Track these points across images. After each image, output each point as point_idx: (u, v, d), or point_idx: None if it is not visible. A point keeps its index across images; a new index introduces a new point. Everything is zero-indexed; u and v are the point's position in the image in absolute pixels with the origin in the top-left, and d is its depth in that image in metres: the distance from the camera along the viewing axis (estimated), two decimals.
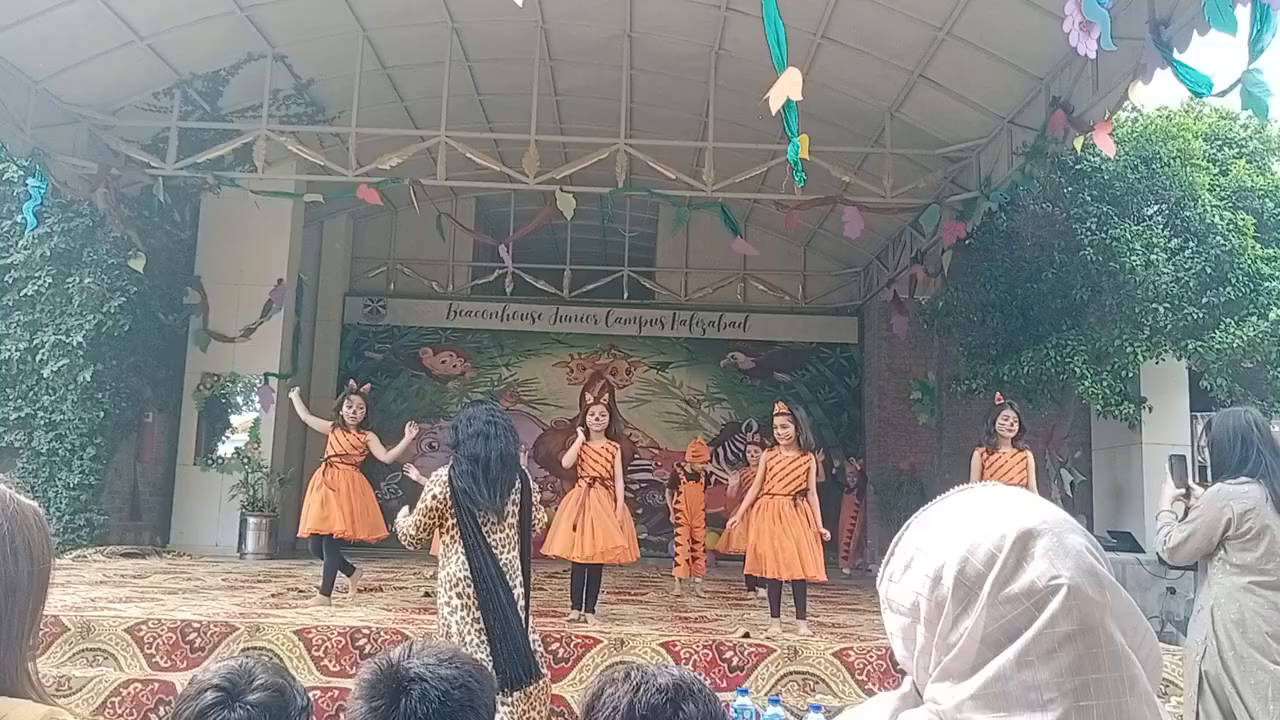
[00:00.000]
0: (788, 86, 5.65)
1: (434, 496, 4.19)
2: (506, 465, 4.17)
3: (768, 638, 6.39)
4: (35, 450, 10.76)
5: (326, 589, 7.31)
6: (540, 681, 4.18)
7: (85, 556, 9.98)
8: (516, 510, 4.28)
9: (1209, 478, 4.02)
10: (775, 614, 6.92)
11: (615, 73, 10.47)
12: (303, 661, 5.84)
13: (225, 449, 12.15)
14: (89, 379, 10.73)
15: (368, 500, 7.51)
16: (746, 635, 6.39)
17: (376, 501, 7.67)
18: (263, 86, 10.49)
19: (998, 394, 7.66)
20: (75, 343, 10.72)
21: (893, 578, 1.02)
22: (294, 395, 7.99)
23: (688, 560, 9.24)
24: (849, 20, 9.09)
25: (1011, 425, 6.98)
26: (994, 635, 0.92)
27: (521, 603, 4.17)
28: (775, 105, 5.69)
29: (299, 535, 7.66)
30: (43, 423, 10.80)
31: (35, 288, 10.88)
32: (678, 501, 9.42)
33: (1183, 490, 4.04)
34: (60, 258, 10.94)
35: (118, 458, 11.29)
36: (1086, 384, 9.03)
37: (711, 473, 9.89)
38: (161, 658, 5.87)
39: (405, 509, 4.41)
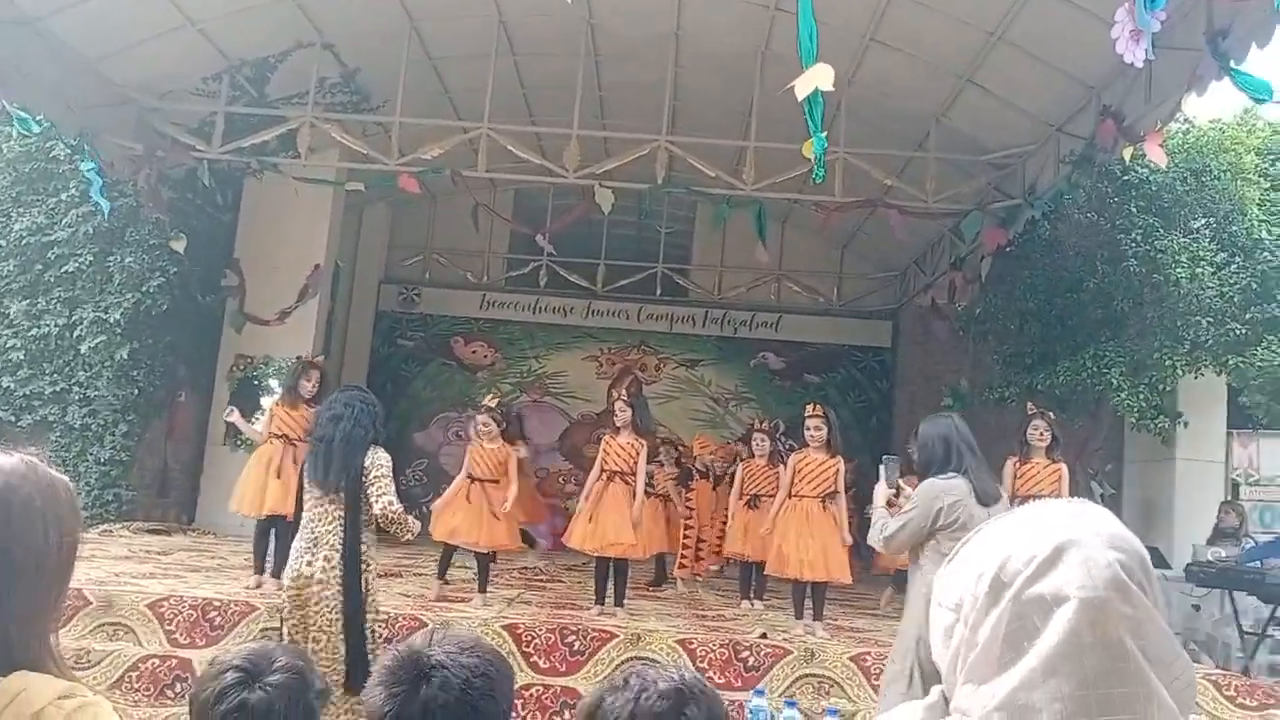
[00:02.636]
0: (817, 77, 5.54)
1: None
2: (350, 446, 4.34)
3: (784, 639, 6.34)
4: (69, 425, 10.88)
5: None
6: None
7: (111, 532, 10.10)
8: (347, 492, 4.37)
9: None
10: (799, 615, 6.88)
11: (660, 70, 10.43)
12: None
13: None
14: (125, 357, 10.85)
15: None
16: (764, 636, 6.35)
17: None
18: (309, 74, 10.54)
19: (1030, 403, 7.55)
20: (113, 320, 10.84)
21: (946, 575, 1.06)
22: (234, 417, 7.71)
23: (693, 560, 9.21)
24: (899, 23, 8.98)
25: (1042, 435, 6.88)
26: (1014, 634, 0.92)
27: (321, 576, 4.25)
28: (801, 93, 5.59)
29: (247, 514, 7.37)
30: (77, 398, 10.93)
31: (76, 265, 11.01)
32: (689, 499, 9.36)
33: (894, 490, 4.31)
34: (102, 236, 11.07)
35: (149, 435, 11.40)
36: (1123, 396, 8.87)
37: (721, 472, 9.80)
38: (181, 635, 5.92)
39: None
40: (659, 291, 15.25)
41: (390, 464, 4.41)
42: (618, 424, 7.20)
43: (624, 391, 7.43)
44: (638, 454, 7.08)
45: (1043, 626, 0.91)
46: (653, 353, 15.47)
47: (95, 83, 9.93)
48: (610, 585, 7.08)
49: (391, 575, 8.23)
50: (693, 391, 15.33)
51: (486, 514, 7.09)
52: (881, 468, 4.39)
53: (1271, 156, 9.86)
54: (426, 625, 5.84)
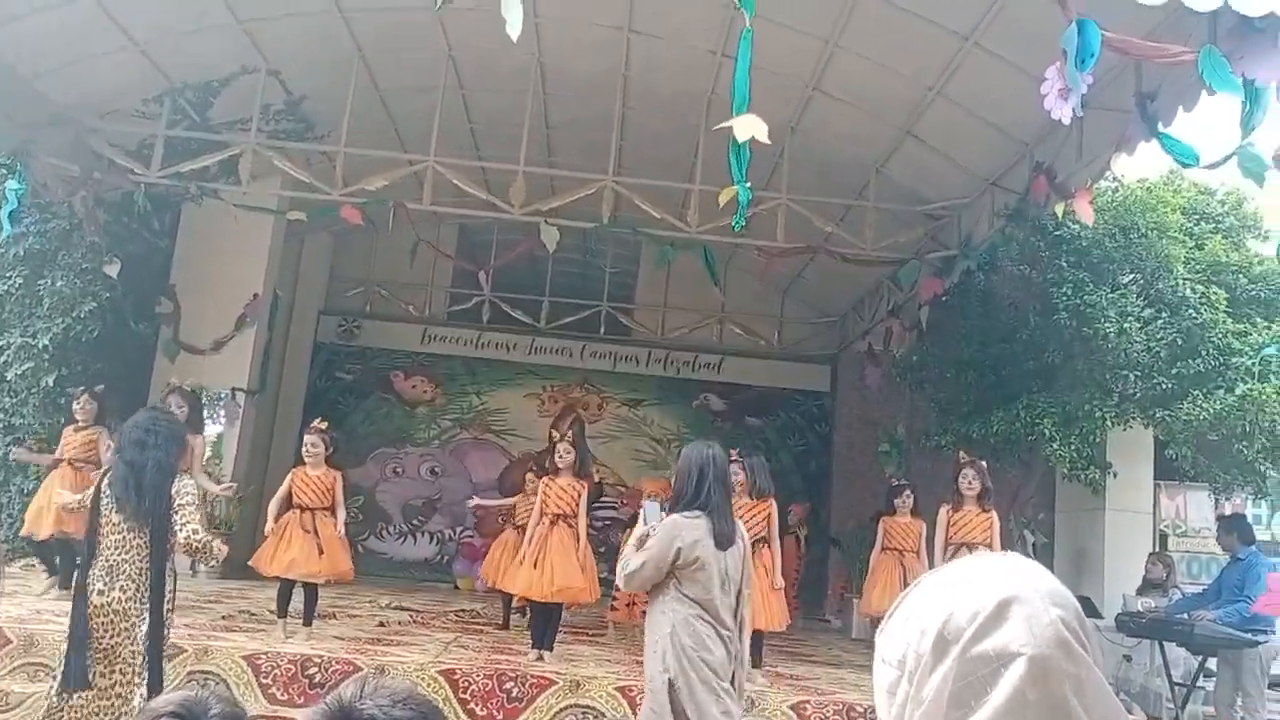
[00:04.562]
0: (754, 125, 5.60)
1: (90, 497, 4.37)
2: (163, 474, 4.25)
3: None
4: None
5: None
6: (84, 694, 4.12)
7: (34, 566, 9.73)
8: (154, 520, 4.27)
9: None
10: None
11: (608, 109, 10.52)
12: (250, 689, 5.70)
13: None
14: (53, 384, 10.52)
15: None
16: None
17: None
18: (254, 100, 10.43)
19: (961, 452, 7.68)
20: (41, 346, 10.52)
21: (888, 631, 1.04)
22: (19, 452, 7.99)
23: (627, 605, 9.07)
24: (842, 74, 9.20)
25: (971, 484, 7.01)
26: (961, 693, 0.93)
27: (118, 606, 4.13)
28: (742, 136, 5.65)
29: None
30: (1, 426, 10.57)
31: (5, 288, 10.69)
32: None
33: (651, 530, 4.24)
34: (33, 258, 10.78)
35: None
36: (1054, 447, 9.06)
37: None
38: None
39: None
40: (603, 330, 15.27)
41: (196, 492, 4.35)
42: (560, 465, 7.11)
43: (569, 433, 7.30)
44: (579, 496, 7.02)
45: (990, 685, 0.91)
46: (595, 391, 15.44)
47: (32, 100, 9.68)
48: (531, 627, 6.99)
49: (325, 617, 8.05)
50: (635, 432, 15.31)
51: (323, 543, 6.80)
52: (642, 510, 4.33)
53: (1196, 216, 10.23)
54: (361, 670, 5.72)
